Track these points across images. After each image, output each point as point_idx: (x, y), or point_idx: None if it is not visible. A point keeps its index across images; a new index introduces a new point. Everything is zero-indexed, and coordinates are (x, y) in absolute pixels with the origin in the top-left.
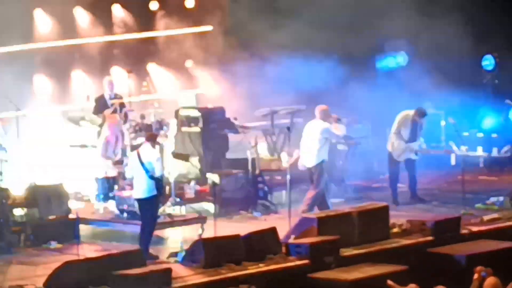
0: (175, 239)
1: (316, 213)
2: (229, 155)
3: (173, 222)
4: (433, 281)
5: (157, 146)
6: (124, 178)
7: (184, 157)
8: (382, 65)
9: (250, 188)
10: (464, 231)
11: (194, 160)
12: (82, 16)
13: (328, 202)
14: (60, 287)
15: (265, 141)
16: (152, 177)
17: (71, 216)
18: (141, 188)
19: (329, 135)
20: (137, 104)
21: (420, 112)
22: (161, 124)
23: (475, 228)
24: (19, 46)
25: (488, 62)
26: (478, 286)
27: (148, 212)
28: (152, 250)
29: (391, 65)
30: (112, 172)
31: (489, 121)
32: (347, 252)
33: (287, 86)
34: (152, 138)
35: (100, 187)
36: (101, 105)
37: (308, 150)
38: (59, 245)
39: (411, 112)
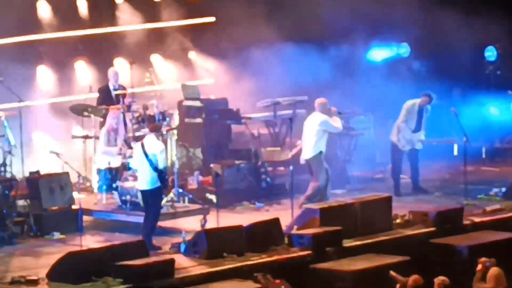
0: (178, 230)
1: (318, 204)
2: (231, 146)
3: (176, 213)
4: (435, 272)
5: (161, 138)
6: (127, 169)
7: (187, 148)
8: (378, 56)
9: (252, 179)
10: (466, 222)
11: (197, 151)
12: (84, 7)
13: (327, 193)
14: (62, 277)
15: (268, 132)
16: (156, 169)
17: (74, 207)
18: (145, 180)
19: (327, 127)
20: (140, 95)
21: (428, 95)
22: (164, 115)
23: (477, 219)
24: (22, 37)
25: (491, 53)
26: (481, 277)
27: (152, 204)
28: (155, 241)
29: (389, 56)
30: (115, 163)
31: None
32: (349, 243)
33: (289, 77)
34: (156, 129)
35: (103, 178)
36: (104, 95)
37: (307, 142)
38: (61, 236)
39: (417, 101)
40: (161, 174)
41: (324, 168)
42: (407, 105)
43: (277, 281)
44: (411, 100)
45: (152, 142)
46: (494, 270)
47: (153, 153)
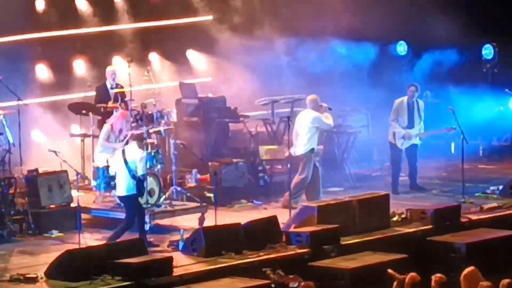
0: (176, 228)
1: (316, 202)
2: (229, 144)
3: (174, 211)
4: (432, 270)
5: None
6: None
7: (185, 147)
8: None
9: (250, 177)
10: (463, 220)
11: (195, 149)
12: (83, 5)
13: (319, 191)
14: (61, 275)
15: (266, 130)
16: (134, 177)
17: (72, 205)
18: (122, 186)
19: (320, 124)
20: (138, 93)
21: (413, 85)
22: (162, 114)
23: (474, 217)
24: (20, 36)
25: (488, 51)
26: None
27: (129, 210)
28: (153, 239)
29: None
30: None
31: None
32: (347, 240)
33: (288, 75)
34: (138, 139)
35: (101, 176)
36: (102, 94)
37: (299, 139)
38: (60, 234)
39: (404, 97)
40: (139, 182)
41: (311, 165)
42: (395, 104)
43: (291, 276)
44: (398, 98)
45: (133, 149)
46: (469, 269)
47: (133, 160)
